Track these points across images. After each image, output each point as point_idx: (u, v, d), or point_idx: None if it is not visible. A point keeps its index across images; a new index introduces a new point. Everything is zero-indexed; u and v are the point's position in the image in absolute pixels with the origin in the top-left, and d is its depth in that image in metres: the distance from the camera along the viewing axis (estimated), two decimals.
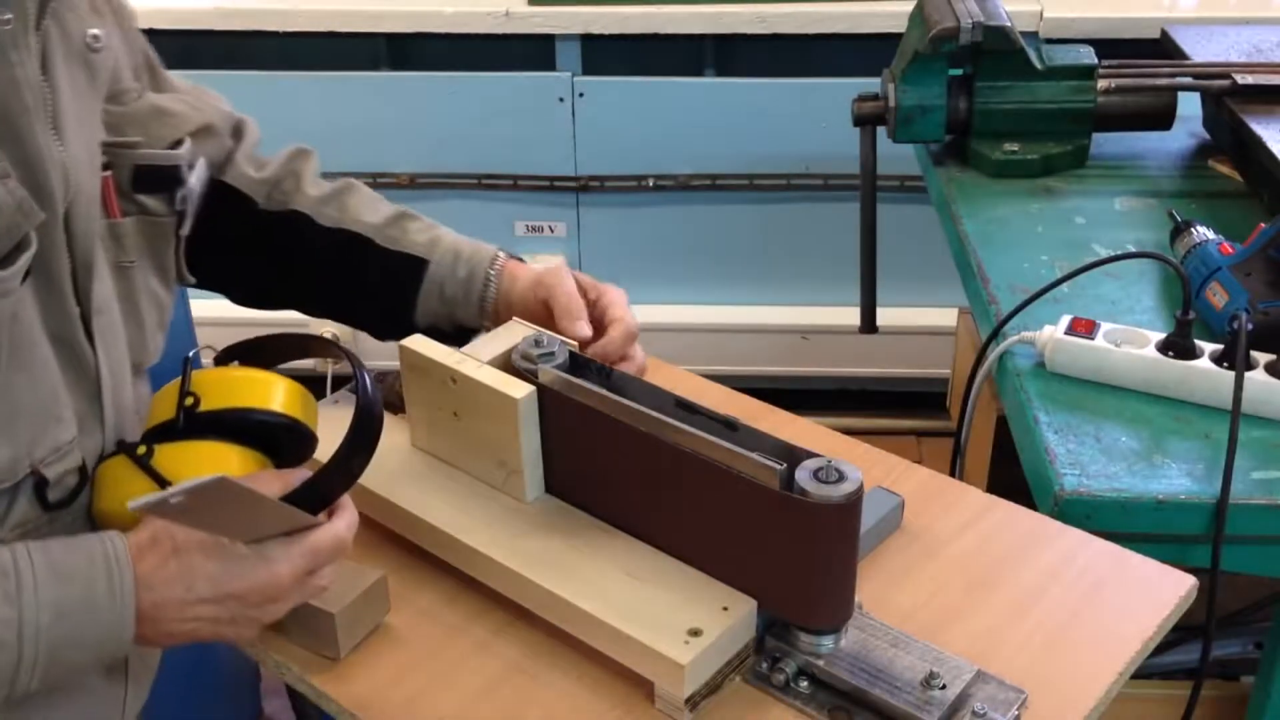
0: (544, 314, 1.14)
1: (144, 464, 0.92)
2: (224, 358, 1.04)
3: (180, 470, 0.92)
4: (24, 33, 0.85)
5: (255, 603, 0.89)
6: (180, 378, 0.96)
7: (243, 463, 0.95)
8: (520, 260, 1.22)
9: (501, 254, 1.21)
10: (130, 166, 0.98)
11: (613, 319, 1.14)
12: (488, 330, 1.18)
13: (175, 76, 1.15)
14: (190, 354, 0.98)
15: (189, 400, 0.95)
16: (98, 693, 0.99)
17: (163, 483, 0.91)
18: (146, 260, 1.01)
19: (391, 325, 1.20)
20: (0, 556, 0.84)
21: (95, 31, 0.94)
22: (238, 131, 1.22)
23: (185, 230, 1.04)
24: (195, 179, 1.04)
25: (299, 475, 0.93)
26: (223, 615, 0.89)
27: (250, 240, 1.20)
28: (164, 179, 1.01)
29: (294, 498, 0.90)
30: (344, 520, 0.93)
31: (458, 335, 1.19)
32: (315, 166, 1.24)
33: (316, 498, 0.92)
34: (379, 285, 1.20)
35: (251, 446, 0.97)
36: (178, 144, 1.03)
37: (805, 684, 0.97)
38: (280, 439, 0.99)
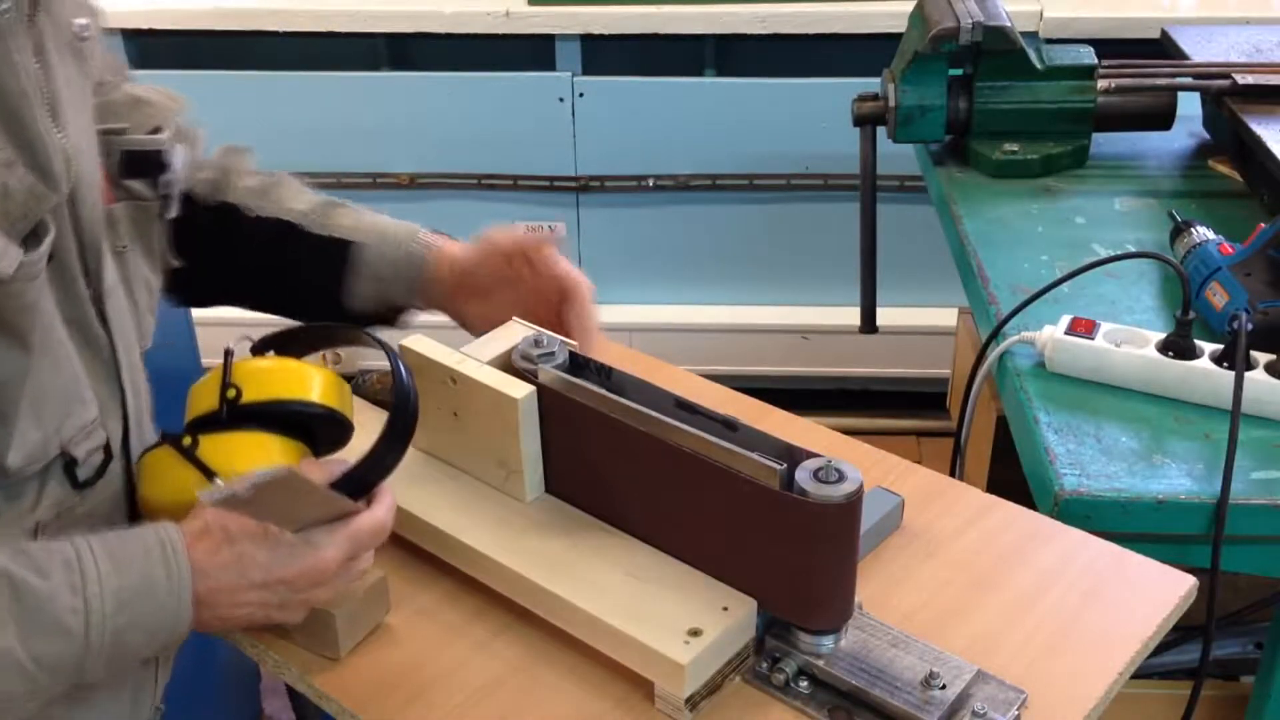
0: (495, 280, 1.16)
1: (190, 454, 0.95)
2: (260, 348, 1.06)
3: (224, 460, 0.94)
4: (20, 21, 0.87)
5: (302, 587, 0.93)
6: (221, 369, 0.98)
7: (284, 452, 0.97)
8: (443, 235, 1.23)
9: (421, 229, 1.22)
10: (119, 153, 1.01)
11: (578, 329, 1.15)
12: (420, 310, 1.22)
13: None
14: (230, 345, 1.00)
15: (231, 392, 0.97)
16: (135, 671, 1.01)
17: (208, 472, 0.94)
18: (137, 245, 1.04)
19: (325, 311, 1.20)
20: (63, 550, 0.86)
21: (83, 21, 0.96)
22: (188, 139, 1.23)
23: (172, 213, 1.06)
24: (179, 163, 1.06)
25: (340, 465, 0.96)
26: (272, 600, 0.92)
27: (185, 237, 1.20)
28: (149, 164, 1.03)
29: (337, 486, 0.93)
30: (384, 506, 0.97)
31: (390, 318, 1.22)
32: (248, 162, 1.25)
33: (358, 485, 0.94)
34: (309, 270, 1.21)
35: (291, 435, 0.99)
36: (156, 131, 1.04)
37: (805, 684, 0.97)
38: (318, 428, 1.01)
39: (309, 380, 1.00)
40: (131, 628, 0.86)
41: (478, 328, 1.18)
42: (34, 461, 0.89)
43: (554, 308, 1.16)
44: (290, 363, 1.02)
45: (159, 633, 0.88)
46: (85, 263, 0.93)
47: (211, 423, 0.97)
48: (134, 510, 1.00)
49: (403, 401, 0.96)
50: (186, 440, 0.95)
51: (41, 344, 0.88)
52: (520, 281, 1.17)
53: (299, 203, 1.22)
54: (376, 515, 0.95)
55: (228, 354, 0.98)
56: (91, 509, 0.95)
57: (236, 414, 0.97)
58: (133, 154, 1.01)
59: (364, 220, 1.22)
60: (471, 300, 1.20)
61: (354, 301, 1.20)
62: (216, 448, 0.95)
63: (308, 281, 1.21)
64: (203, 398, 0.99)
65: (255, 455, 0.96)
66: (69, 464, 0.92)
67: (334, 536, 0.93)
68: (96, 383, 0.95)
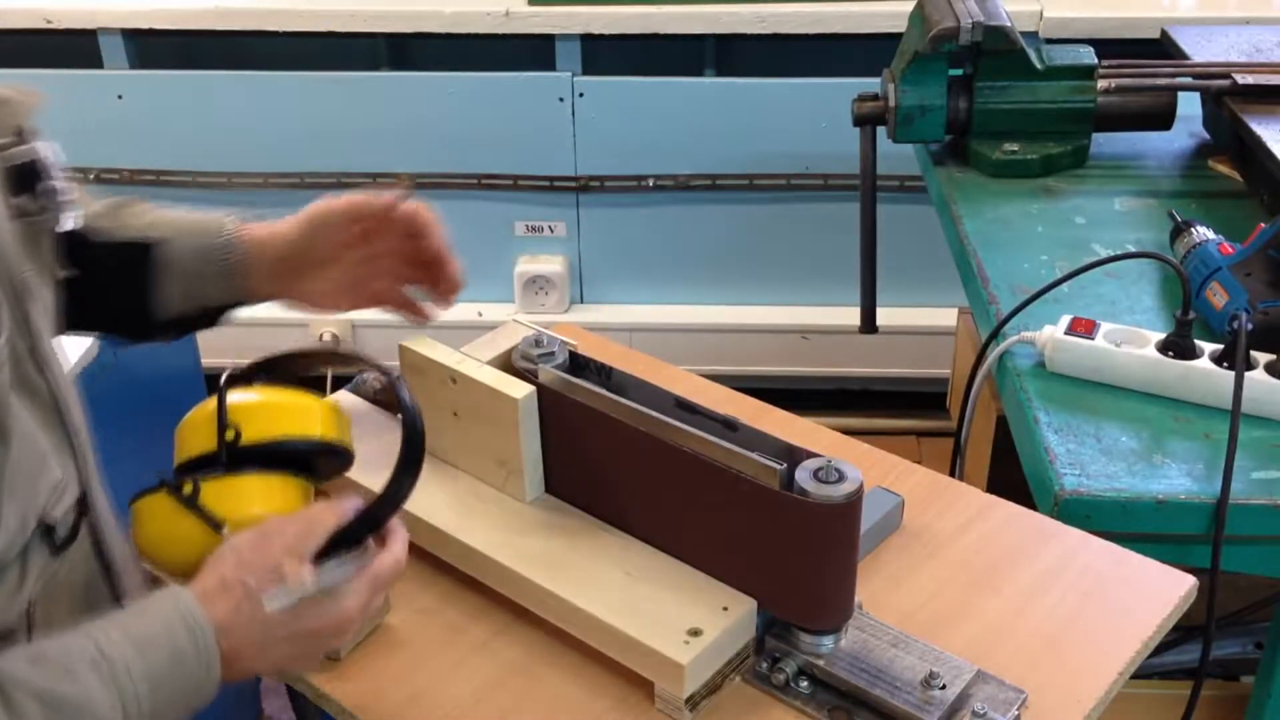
0: (334, 248, 1.09)
1: (192, 504, 0.91)
2: (249, 374, 1.01)
3: (230, 507, 0.91)
4: None
5: (326, 636, 0.90)
6: (216, 403, 0.93)
7: (286, 490, 0.94)
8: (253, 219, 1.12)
9: (229, 218, 1.10)
10: (1, 170, 0.91)
11: (441, 256, 1.10)
12: (244, 304, 1.12)
13: None
14: (223, 380, 0.95)
15: (230, 433, 0.92)
16: None
17: (213, 522, 0.90)
18: (33, 265, 0.93)
19: (134, 322, 1.10)
20: (83, 647, 0.82)
21: None
22: None
23: (67, 225, 0.95)
24: (57, 163, 0.94)
25: (351, 503, 0.92)
26: (295, 652, 0.90)
27: None
28: (30, 174, 0.92)
29: (351, 528, 0.91)
30: (399, 543, 0.94)
31: (209, 320, 1.12)
32: None
33: (373, 524, 0.92)
34: (106, 279, 1.07)
35: (293, 470, 0.95)
36: (18, 133, 0.93)
37: (805, 684, 0.97)
38: (320, 460, 0.98)
39: (310, 414, 0.96)
40: (167, 703, 0.84)
41: (319, 303, 1.12)
42: (16, 542, 0.84)
43: (403, 251, 1.10)
44: (288, 395, 0.97)
45: (191, 699, 0.86)
46: (20, 313, 0.87)
47: (208, 464, 0.92)
48: (105, 563, 0.96)
49: (411, 431, 0.93)
50: (187, 488, 0.91)
51: (12, 427, 0.83)
52: (361, 242, 1.10)
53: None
54: (394, 554, 0.93)
55: (222, 390, 0.93)
56: (71, 568, 0.91)
57: (236, 455, 0.92)
58: (13, 169, 0.91)
59: (161, 216, 1.10)
60: (306, 278, 1.10)
61: (163, 308, 1.09)
62: (220, 494, 0.91)
63: (106, 293, 1.07)
64: (197, 437, 0.94)
65: (261, 499, 0.92)
66: (47, 530, 0.88)
67: (356, 584, 0.90)
68: (48, 434, 0.89)
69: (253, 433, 0.93)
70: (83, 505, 0.92)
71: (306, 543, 0.89)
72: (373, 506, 0.92)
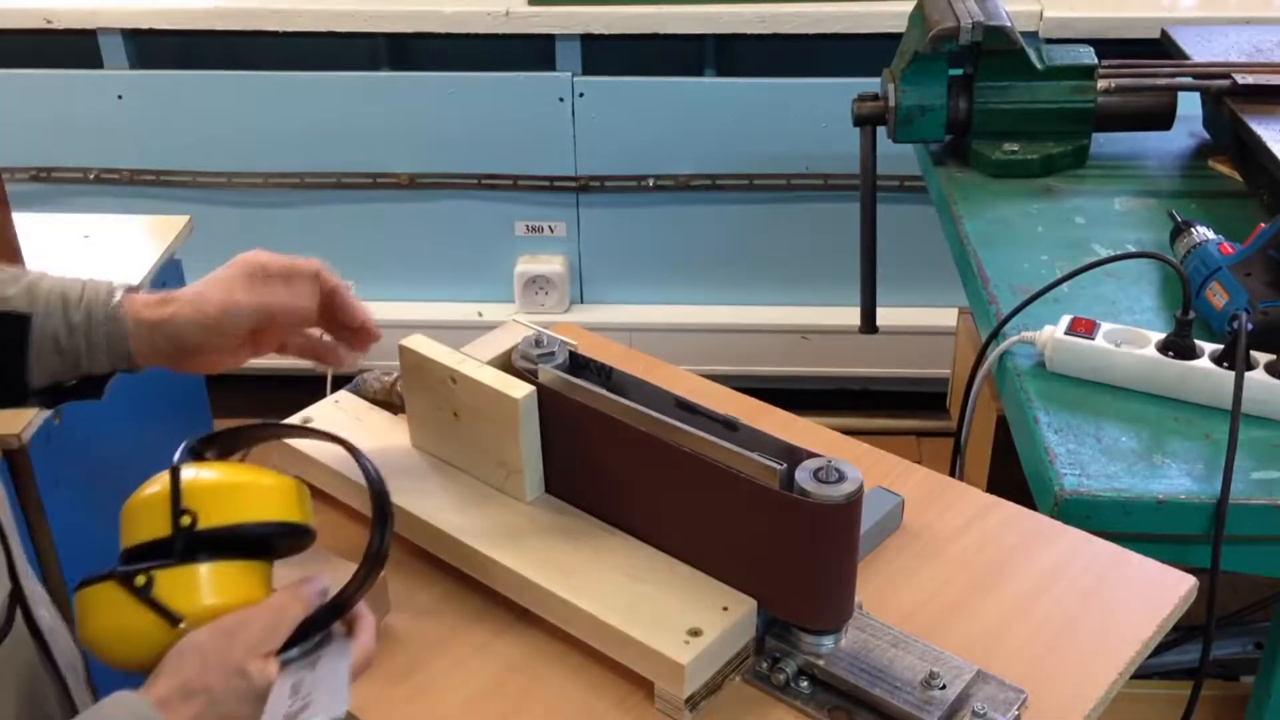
0: (242, 331, 1.03)
1: (146, 597, 0.84)
2: (201, 447, 0.94)
3: (185, 598, 0.85)
4: None
5: None
6: (168, 483, 0.87)
7: (246, 577, 0.89)
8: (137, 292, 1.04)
9: (118, 288, 1.01)
10: None
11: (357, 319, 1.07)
12: (137, 370, 1.04)
13: None
14: (176, 459, 0.89)
15: (185, 519, 0.86)
16: None
17: (170, 616, 0.84)
18: None
19: (4, 390, 1.01)
20: None
21: None
22: None
23: None
24: None
25: (315, 587, 0.89)
26: None
27: None
28: None
29: (318, 616, 0.88)
30: (367, 631, 0.91)
31: (91, 387, 1.03)
32: None
33: (340, 611, 0.90)
34: None
35: (250, 552, 0.90)
36: None
37: (805, 684, 0.97)
38: (278, 541, 0.93)
39: (269, 495, 0.91)
40: None
41: (211, 371, 1.06)
42: None
43: (314, 315, 1.06)
44: (245, 474, 0.92)
45: None
46: None
47: (159, 550, 0.86)
48: (43, 645, 0.93)
49: (380, 500, 0.90)
50: (140, 579, 0.84)
51: None
52: (261, 342, 1.05)
53: None
54: (365, 645, 0.90)
55: (175, 472, 0.87)
56: (6, 656, 0.88)
57: (192, 541, 0.86)
58: None
59: (36, 285, 1.00)
60: (197, 359, 1.04)
61: (37, 378, 1.00)
62: (177, 585, 0.85)
63: None
64: (148, 520, 0.87)
65: (220, 589, 0.86)
66: None
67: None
68: None
69: (209, 517, 0.87)
70: (16, 590, 0.88)
71: (272, 638, 0.85)
72: (340, 593, 0.89)
